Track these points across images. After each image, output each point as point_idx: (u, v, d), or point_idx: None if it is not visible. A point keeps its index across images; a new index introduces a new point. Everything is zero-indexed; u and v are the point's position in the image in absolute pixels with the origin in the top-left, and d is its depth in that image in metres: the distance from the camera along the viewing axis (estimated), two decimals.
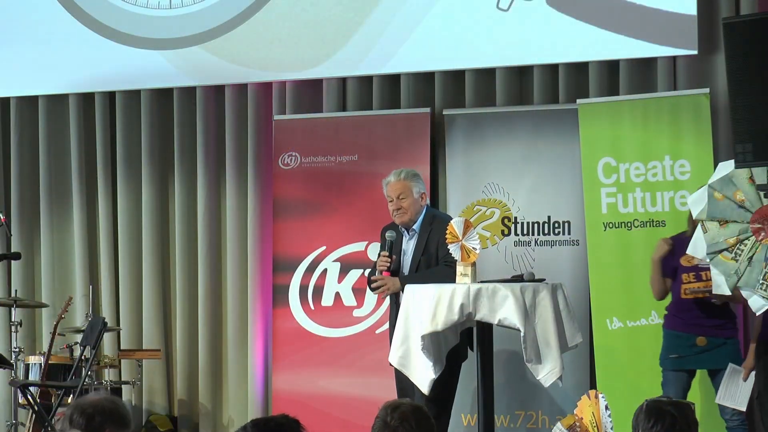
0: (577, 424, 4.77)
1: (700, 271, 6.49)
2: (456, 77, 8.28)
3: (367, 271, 7.39)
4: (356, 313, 8.14)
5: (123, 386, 8.61)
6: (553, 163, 7.79)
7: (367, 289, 7.13)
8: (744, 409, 6.41)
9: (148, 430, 8.78)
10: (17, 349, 8.28)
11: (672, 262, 6.62)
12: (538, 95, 8.02)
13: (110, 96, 9.10)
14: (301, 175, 8.35)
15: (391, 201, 6.70)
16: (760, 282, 5.86)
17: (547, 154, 7.80)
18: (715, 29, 7.58)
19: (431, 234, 6.60)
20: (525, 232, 7.82)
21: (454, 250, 6.17)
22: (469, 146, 8.00)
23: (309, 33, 8.43)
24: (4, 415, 9.02)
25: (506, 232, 7.85)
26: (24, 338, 8.96)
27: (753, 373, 6.42)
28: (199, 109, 8.86)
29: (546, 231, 7.77)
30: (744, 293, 5.98)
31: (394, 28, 8.22)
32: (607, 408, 4.82)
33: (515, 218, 7.84)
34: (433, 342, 6.06)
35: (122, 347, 8.91)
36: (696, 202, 6.18)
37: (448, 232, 6.20)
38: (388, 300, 6.91)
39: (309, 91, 8.61)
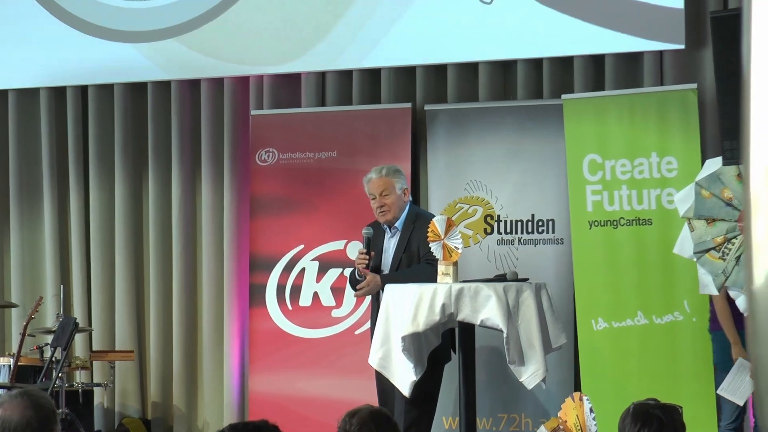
0: (561, 427, 4.78)
1: None
2: (438, 72, 8.28)
3: (347, 270, 7.39)
4: (335, 313, 8.13)
5: (95, 388, 8.59)
6: (537, 160, 7.79)
7: (347, 288, 7.13)
8: (742, 403, 6.42)
9: None
10: None
11: None
12: (521, 90, 8.02)
13: (82, 90, 9.07)
14: (278, 171, 8.33)
15: (373, 198, 6.70)
16: None
17: (531, 150, 7.81)
18: (702, 23, 7.60)
19: (414, 232, 6.60)
20: (508, 230, 7.82)
21: (435, 248, 6.17)
22: (451, 142, 8.00)
23: (287, 26, 8.42)
24: None
25: (489, 230, 7.85)
26: None
27: None
28: (174, 104, 8.84)
29: (530, 229, 7.78)
30: (732, 293, 6.00)
31: (375, 20, 8.22)
32: (591, 411, 4.83)
33: (498, 216, 7.84)
34: (414, 343, 6.05)
35: (94, 348, 8.88)
36: (683, 200, 6.20)
37: (429, 230, 6.20)
38: (368, 299, 6.90)
39: (287, 86, 8.59)
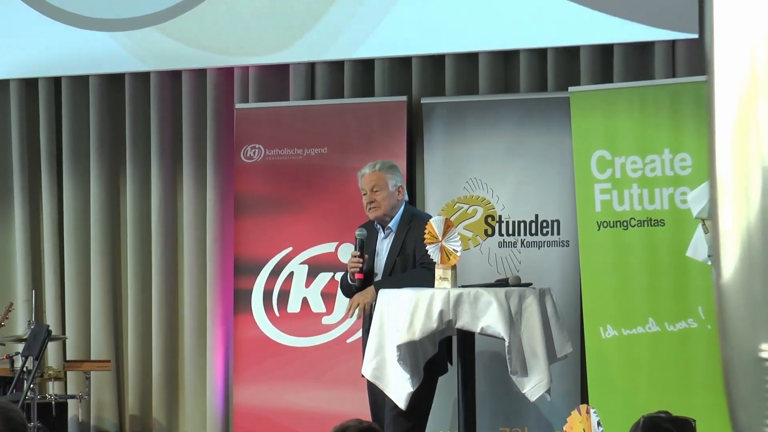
0: None
1: None
2: (435, 62, 8.27)
3: (338, 275, 7.39)
4: (325, 320, 8.12)
5: (69, 400, 8.57)
6: (541, 156, 7.79)
7: (338, 293, 7.12)
8: None
9: None
10: None
11: None
12: (525, 82, 8.02)
13: (55, 82, 9.06)
14: (265, 169, 8.33)
15: (364, 194, 6.71)
16: None
17: (534, 146, 7.81)
18: None
19: (408, 233, 6.60)
20: (510, 232, 7.82)
21: (433, 251, 6.17)
22: (450, 138, 8.00)
23: (274, 13, 8.41)
24: None
25: (490, 232, 7.85)
26: None
27: None
28: (154, 97, 8.83)
29: (533, 231, 7.78)
30: None
31: (368, 8, 8.21)
32: (599, 424, 4.83)
33: (500, 217, 7.84)
34: (409, 352, 6.05)
35: (68, 358, 8.87)
36: (697, 200, 6.19)
37: (426, 231, 6.20)
38: None
39: (274, 78, 8.59)
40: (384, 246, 6.69)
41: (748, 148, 1.80)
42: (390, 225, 6.68)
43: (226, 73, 8.70)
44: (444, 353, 6.44)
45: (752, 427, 1.78)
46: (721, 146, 1.83)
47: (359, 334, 7.18)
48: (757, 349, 1.77)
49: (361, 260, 6.59)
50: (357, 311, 6.62)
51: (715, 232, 1.80)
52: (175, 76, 8.84)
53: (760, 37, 1.81)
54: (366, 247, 6.66)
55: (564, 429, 4.92)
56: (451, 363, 6.47)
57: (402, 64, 8.35)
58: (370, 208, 6.68)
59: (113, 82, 8.98)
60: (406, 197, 6.83)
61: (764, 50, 1.81)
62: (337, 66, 8.48)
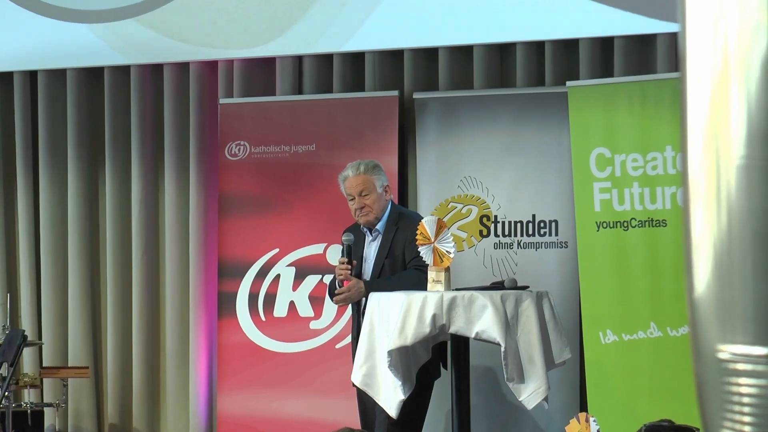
0: None
1: None
2: (428, 56, 8.27)
3: (327, 277, 7.37)
4: (313, 324, 8.11)
5: (45, 409, 8.56)
6: (538, 154, 7.79)
7: (327, 297, 7.11)
8: None
9: None
10: None
11: None
12: (521, 77, 8.02)
13: (31, 75, 9.05)
14: (250, 166, 8.31)
15: (352, 199, 6.67)
16: None
17: (531, 144, 7.80)
18: None
19: (397, 234, 6.58)
20: (506, 232, 7.82)
21: (425, 253, 6.15)
22: (443, 135, 8.00)
23: (260, 4, 8.40)
24: None
25: (485, 232, 7.84)
26: None
27: None
28: (134, 92, 8.81)
29: (530, 231, 7.77)
30: None
31: None
32: None
33: (495, 217, 7.83)
34: (401, 358, 6.04)
35: (45, 364, 8.85)
36: None
37: (419, 232, 6.18)
38: (350, 309, 6.88)
39: (260, 72, 8.58)
40: (372, 249, 6.67)
41: (719, 147, 1.78)
42: (377, 227, 6.65)
43: (210, 66, 8.69)
44: (437, 357, 6.42)
45: (714, 428, 1.79)
46: (693, 146, 1.82)
47: (349, 339, 7.17)
48: (716, 350, 1.78)
49: (349, 267, 6.56)
50: (342, 299, 6.58)
51: (687, 240, 1.78)
52: (156, 69, 8.83)
53: (733, 33, 1.80)
54: (353, 252, 6.63)
55: None
56: (446, 367, 6.44)
57: (393, 57, 8.34)
58: (360, 214, 6.65)
59: (92, 75, 8.97)
60: (391, 196, 6.81)
61: (736, 47, 1.80)
62: (325, 59, 8.47)
